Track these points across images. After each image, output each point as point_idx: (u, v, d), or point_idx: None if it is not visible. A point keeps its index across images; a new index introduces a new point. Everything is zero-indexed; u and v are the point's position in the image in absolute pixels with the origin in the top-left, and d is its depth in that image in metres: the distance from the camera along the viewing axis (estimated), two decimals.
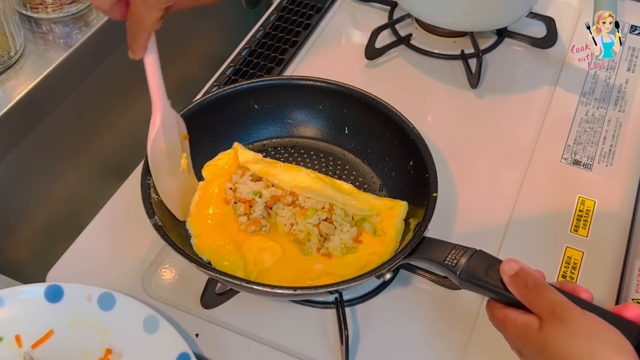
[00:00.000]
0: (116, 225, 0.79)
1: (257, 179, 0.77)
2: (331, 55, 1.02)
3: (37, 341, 0.68)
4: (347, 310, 0.72)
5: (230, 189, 0.76)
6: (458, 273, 0.60)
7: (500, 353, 0.61)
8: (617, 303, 0.73)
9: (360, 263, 0.71)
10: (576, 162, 0.87)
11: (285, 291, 0.64)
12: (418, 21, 1.04)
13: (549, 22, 1.01)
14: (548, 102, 0.95)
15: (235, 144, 0.81)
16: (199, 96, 0.89)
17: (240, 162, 0.79)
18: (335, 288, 0.65)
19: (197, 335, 0.70)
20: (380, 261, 0.69)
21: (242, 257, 0.72)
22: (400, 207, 0.75)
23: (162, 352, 0.66)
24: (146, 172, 0.71)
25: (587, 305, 0.54)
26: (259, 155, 0.81)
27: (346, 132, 0.83)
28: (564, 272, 0.76)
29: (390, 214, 0.75)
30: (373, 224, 0.74)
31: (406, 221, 0.74)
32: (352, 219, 0.74)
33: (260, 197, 0.74)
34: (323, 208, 0.74)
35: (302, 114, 0.84)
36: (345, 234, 0.72)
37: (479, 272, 0.59)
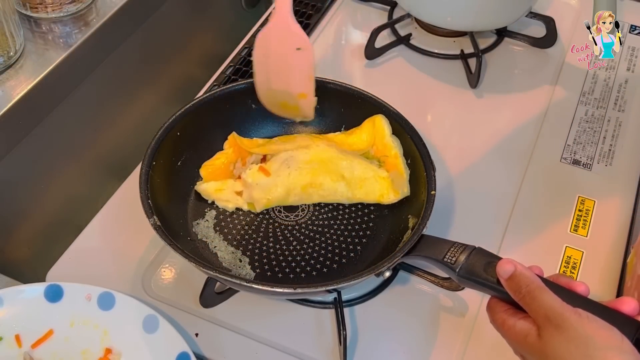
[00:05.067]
0: (116, 225, 0.80)
1: (259, 161, 0.78)
2: (331, 55, 1.02)
3: (36, 341, 0.68)
4: (346, 310, 0.72)
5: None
6: (457, 270, 0.60)
7: (500, 353, 0.61)
8: None
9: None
10: (576, 162, 0.87)
11: (284, 289, 0.64)
12: (418, 21, 1.04)
13: (549, 22, 1.01)
14: (548, 102, 0.95)
15: (232, 134, 0.82)
16: (198, 96, 0.90)
17: (242, 146, 0.80)
18: (334, 287, 0.65)
19: (196, 334, 0.70)
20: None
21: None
22: (379, 121, 0.78)
23: (162, 351, 0.66)
24: (147, 163, 0.72)
25: (583, 301, 0.54)
26: (250, 139, 0.82)
27: (344, 130, 0.83)
28: (563, 272, 0.76)
29: (379, 135, 0.78)
30: (375, 157, 0.78)
31: (406, 220, 0.74)
32: None
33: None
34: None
35: None
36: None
37: (478, 269, 0.59)
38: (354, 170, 0.76)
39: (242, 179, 0.76)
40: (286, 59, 0.73)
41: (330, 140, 0.80)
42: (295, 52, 0.72)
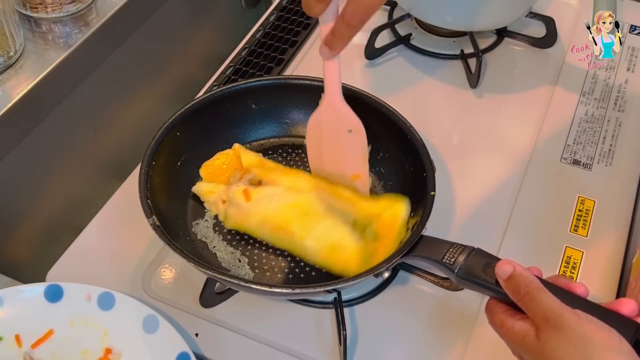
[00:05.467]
0: (116, 225, 0.80)
1: (255, 183, 0.76)
2: None
3: (36, 341, 0.68)
4: (346, 310, 0.72)
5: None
6: (456, 271, 0.60)
7: (500, 353, 0.60)
8: None
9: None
10: (576, 162, 0.87)
11: (283, 290, 0.64)
12: (418, 21, 1.04)
13: (549, 22, 1.01)
14: (548, 102, 0.95)
15: (236, 146, 0.81)
16: (198, 96, 0.90)
17: (245, 165, 0.78)
18: (334, 287, 0.65)
19: (196, 334, 0.70)
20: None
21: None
22: (400, 206, 0.73)
23: (162, 351, 0.66)
24: (146, 163, 0.72)
25: (581, 303, 0.53)
26: (261, 157, 0.80)
27: None
28: (563, 272, 0.76)
29: (392, 215, 0.73)
30: (374, 231, 0.73)
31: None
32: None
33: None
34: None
35: (300, 113, 0.84)
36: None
37: (476, 270, 0.59)
38: (333, 234, 0.71)
39: (227, 191, 0.75)
40: (338, 142, 0.73)
41: (336, 194, 0.75)
42: (347, 135, 0.72)
